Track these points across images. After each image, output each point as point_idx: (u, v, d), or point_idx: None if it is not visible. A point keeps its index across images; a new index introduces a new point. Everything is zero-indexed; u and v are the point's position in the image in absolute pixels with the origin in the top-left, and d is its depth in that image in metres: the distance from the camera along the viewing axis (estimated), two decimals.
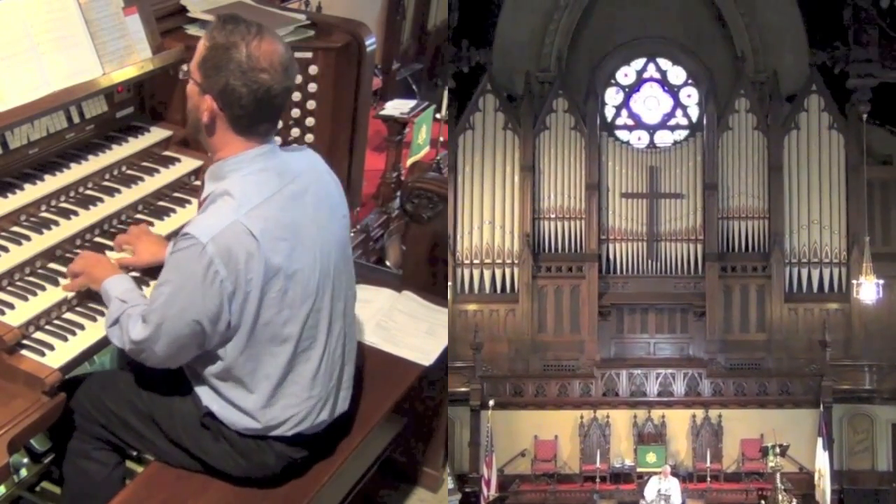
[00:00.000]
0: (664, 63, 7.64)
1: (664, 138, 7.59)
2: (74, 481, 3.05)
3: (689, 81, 7.61)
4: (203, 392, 2.82)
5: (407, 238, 4.54)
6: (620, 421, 6.70)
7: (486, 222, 7.12)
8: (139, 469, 3.34)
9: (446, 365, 3.97)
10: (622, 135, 7.56)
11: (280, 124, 3.63)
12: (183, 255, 2.56)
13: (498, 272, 7.08)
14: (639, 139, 7.59)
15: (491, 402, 6.38)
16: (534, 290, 7.06)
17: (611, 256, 7.16)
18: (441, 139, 6.36)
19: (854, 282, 6.75)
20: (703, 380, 6.74)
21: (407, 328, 3.82)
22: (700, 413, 6.68)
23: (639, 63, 7.64)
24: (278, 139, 2.88)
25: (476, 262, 7.07)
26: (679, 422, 6.69)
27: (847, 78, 7.13)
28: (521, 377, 6.83)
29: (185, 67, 2.73)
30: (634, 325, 7.18)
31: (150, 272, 3.03)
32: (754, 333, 7.11)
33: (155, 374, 2.82)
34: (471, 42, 7.33)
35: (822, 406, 6.48)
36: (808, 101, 7.25)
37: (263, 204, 2.61)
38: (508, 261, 7.09)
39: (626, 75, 7.65)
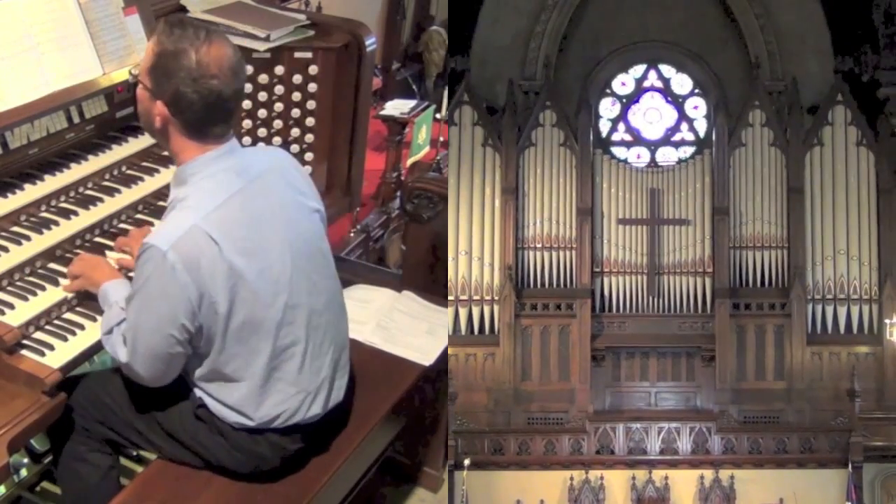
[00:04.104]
0: (667, 70, 7.45)
1: (667, 156, 7.41)
2: (68, 484, 3.35)
3: (696, 91, 7.42)
4: (195, 389, 3.12)
5: (407, 238, 5.03)
6: (616, 483, 6.42)
7: (462, 253, 6.86)
8: (139, 469, 3.70)
9: (447, 364, 4.40)
10: (619, 152, 7.37)
11: (281, 125, 4.46)
12: (146, 268, 2.80)
13: (475, 310, 6.83)
14: (638, 157, 7.41)
15: (466, 462, 6.07)
16: (516, 332, 6.82)
17: (605, 292, 6.93)
18: (441, 139, 6.82)
19: (887, 321, 6.59)
20: (713, 435, 6.47)
21: (407, 328, 4.19)
22: (709, 474, 6.40)
23: (638, 70, 7.45)
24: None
25: (450, 298, 6.77)
26: (685, 484, 6.42)
27: (878, 87, 6.98)
28: (502, 432, 6.56)
29: (133, 70, 3.06)
30: (633, 372, 6.95)
31: None
32: (772, 381, 6.87)
33: None
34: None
35: (850, 466, 6.21)
36: (833, 114, 7.03)
37: (222, 206, 2.87)
38: (487, 297, 6.85)
39: (623, 84, 7.46)
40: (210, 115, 2.87)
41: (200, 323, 2.86)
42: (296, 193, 3.15)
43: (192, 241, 2.78)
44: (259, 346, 3.00)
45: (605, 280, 6.95)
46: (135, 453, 3.91)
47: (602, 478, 6.40)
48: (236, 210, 2.90)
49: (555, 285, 6.91)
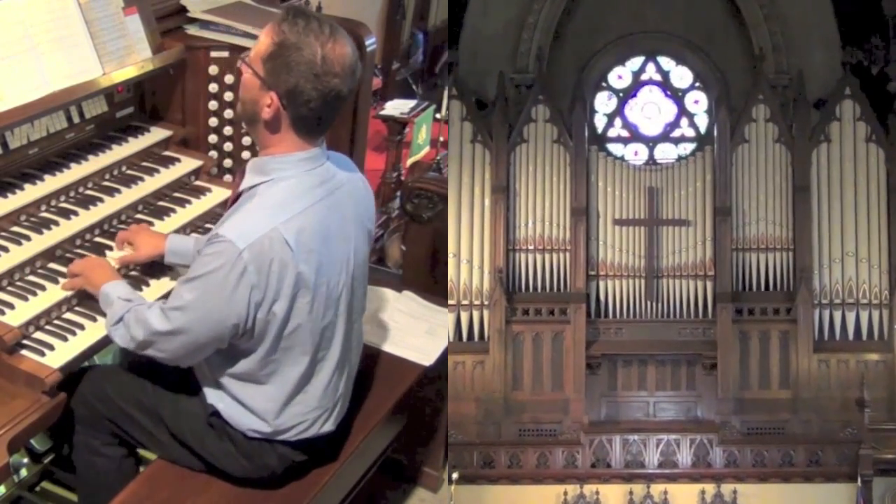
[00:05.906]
0: (666, 62, 7.35)
1: (666, 153, 7.30)
2: (85, 475, 3.46)
3: (697, 84, 7.33)
4: (211, 391, 3.18)
5: (407, 238, 5.13)
6: (613, 498, 6.35)
7: (451, 255, 6.69)
8: (141, 468, 3.74)
9: (447, 364, 4.52)
10: (615, 149, 7.27)
11: None
12: (215, 259, 2.85)
13: (464, 316, 6.70)
14: (635, 154, 7.31)
15: (455, 475, 5.81)
16: (507, 338, 6.70)
17: (601, 296, 6.82)
18: (441, 139, 6.89)
19: None
20: (715, 447, 6.41)
21: (407, 328, 4.31)
22: (710, 488, 6.31)
23: (635, 62, 7.35)
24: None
25: None
26: (685, 499, 6.35)
27: (887, 80, 6.90)
28: (492, 444, 6.47)
29: (243, 55, 3.00)
30: (630, 381, 6.84)
31: (150, 272, 3.53)
32: (777, 390, 6.75)
33: (161, 369, 3.16)
34: None
35: (859, 479, 6.11)
36: (841, 108, 6.92)
37: (302, 214, 2.94)
38: (477, 302, 6.72)
39: (619, 77, 7.35)
40: (323, 114, 2.93)
41: (253, 324, 2.94)
42: (360, 211, 3.26)
43: (268, 243, 2.85)
44: (301, 356, 3.11)
45: (601, 284, 6.84)
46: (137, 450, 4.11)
47: (598, 492, 6.33)
48: (314, 221, 2.97)
49: (548, 289, 6.79)
